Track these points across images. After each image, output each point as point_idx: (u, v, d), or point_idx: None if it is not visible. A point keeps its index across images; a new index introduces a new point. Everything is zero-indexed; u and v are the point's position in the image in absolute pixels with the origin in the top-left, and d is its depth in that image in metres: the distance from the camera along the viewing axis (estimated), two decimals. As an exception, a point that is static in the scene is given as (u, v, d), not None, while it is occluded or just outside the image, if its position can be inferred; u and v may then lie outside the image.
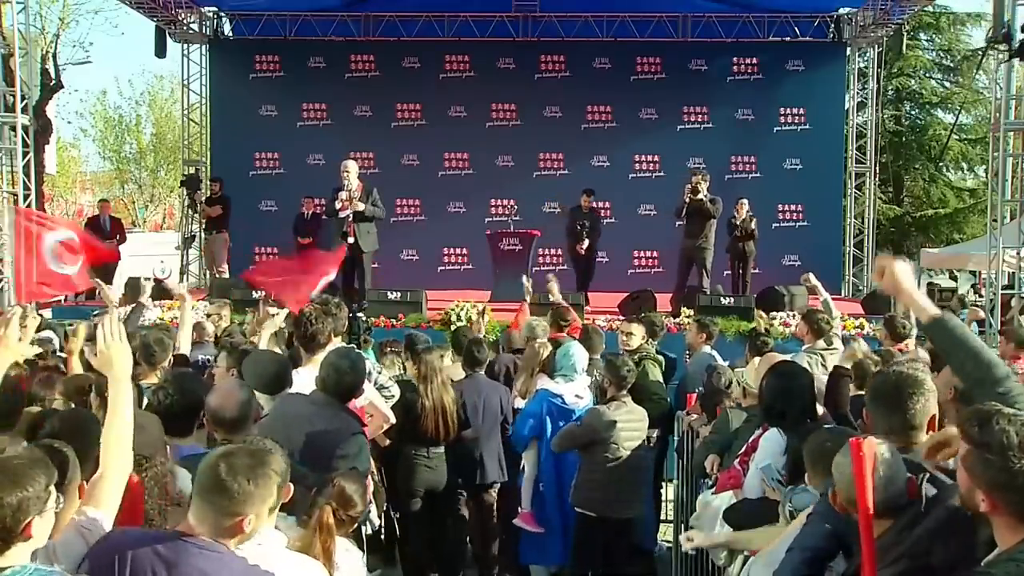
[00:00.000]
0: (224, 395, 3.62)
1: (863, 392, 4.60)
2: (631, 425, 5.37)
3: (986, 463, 2.15)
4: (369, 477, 4.45)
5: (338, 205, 10.77)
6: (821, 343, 6.80)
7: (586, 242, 11.59)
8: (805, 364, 6.36)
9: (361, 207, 10.64)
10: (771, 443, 3.79)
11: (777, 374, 4.10)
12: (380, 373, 5.54)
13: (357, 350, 4.28)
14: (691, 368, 7.05)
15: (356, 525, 3.53)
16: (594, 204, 11.96)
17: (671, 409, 6.65)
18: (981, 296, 17.46)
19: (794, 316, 9.57)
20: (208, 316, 7.82)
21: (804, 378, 4.14)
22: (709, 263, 11.23)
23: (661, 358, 6.98)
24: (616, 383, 5.40)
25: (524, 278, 8.70)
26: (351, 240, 10.78)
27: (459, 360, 6.50)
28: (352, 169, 10.89)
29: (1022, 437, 2.13)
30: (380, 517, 5.29)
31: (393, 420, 5.23)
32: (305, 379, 4.41)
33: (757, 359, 5.33)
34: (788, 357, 6.27)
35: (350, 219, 10.72)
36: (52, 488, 2.22)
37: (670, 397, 7.03)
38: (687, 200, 11.01)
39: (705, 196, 10.99)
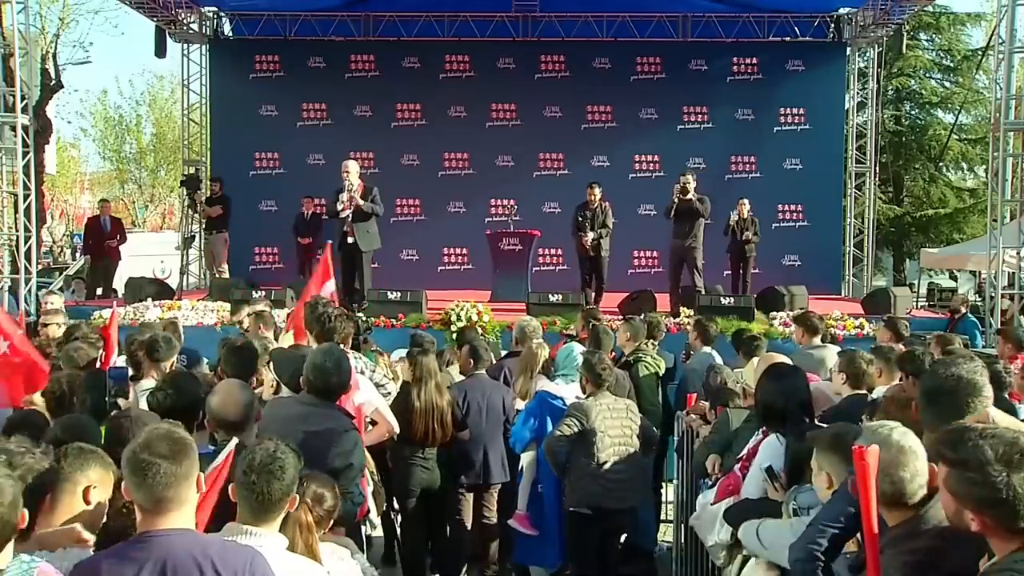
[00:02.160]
0: (225, 396, 3.61)
1: (859, 392, 4.60)
2: (612, 414, 5.37)
3: (968, 481, 2.12)
4: (368, 476, 4.47)
5: (339, 206, 10.78)
6: (816, 341, 6.84)
7: (590, 235, 11.22)
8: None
9: (361, 203, 10.64)
10: (771, 448, 3.79)
11: (773, 375, 4.10)
12: (375, 372, 5.56)
13: (340, 347, 4.23)
14: (691, 368, 7.06)
15: (356, 524, 3.54)
16: (600, 196, 11.40)
17: (670, 410, 6.66)
18: (983, 296, 17.47)
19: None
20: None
21: (800, 376, 4.16)
22: (700, 262, 11.11)
23: (661, 360, 6.98)
24: (592, 381, 5.41)
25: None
26: (350, 240, 10.79)
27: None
28: (353, 169, 10.89)
29: (997, 450, 2.10)
30: (379, 517, 5.31)
31: (397, 430, 5.25)
32: None
33: (755, 359, 5.33)
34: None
35: (349, 219, 10.72)
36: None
37: (671, 397, 7.04)
38: (676, 200, 10.96)
39: (694, 196, 10.96)
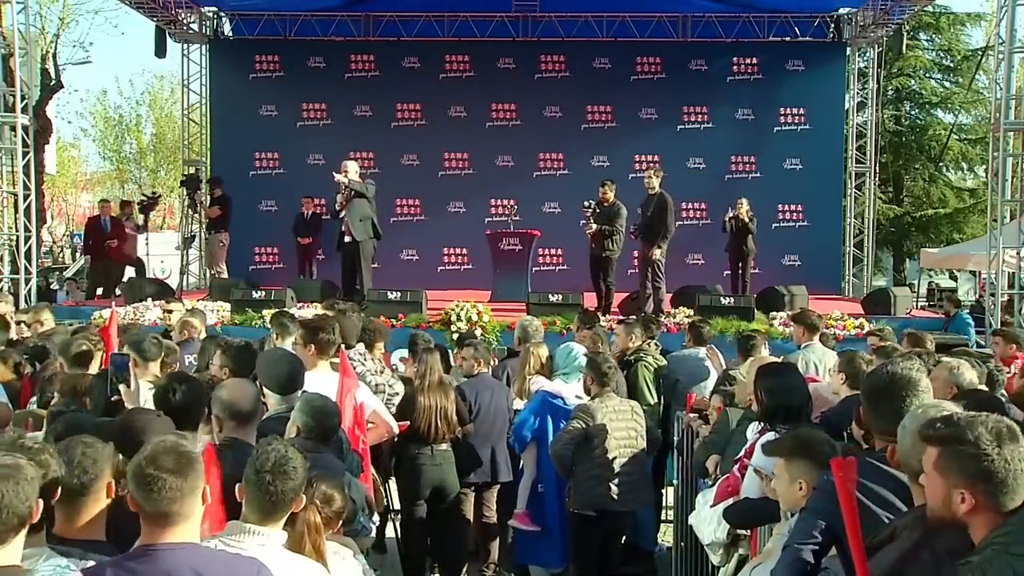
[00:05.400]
0: (236, 389, 3.62)
1: (856, 392, 4.60)
2: (619, 416, 5.38)
3: (960, 455, 2.19)
4: (369, 474, 4.47)
5: (337, 206, 10.81)
6: (817, 341, 6.85)
7: (593, 226, 10.86)
8: (803, 363, 6.40)
9: (347, 180, 10.59)
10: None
11: (772, 373, 4.11)
12: (378, 373, 5.57)
13: (331, 399, 4.08)
14: (675, 358, 7.10)
15: (349, 524, 3.54)
16: (612, 196, 10.96)
17: (668, 411, 6.67)
18: (982, 296, 17.46)
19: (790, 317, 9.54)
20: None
21: (795, 374, 4.20)
22: (655, 261, 10.82)
23: (662, 360, 6.97)
24: (598, 381, 5.42)
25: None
26: (347, 239, 10.77)
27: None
28: (352, 169, 10.89)
29: (987, 425, 2.19)
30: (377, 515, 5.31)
31: (397, 431, 5.25)
32: (316, 381, 4.44)
33: (751, 359, 5.34)
34: (789, 357, 6.32)
35: (345, 217, 10.73)
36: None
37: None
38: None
39: (657, 190, 10.95)
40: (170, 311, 8.00)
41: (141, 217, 13.84)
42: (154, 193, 15.15)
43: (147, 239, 13.81)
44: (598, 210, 10.99)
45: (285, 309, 8.83)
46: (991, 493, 2.16)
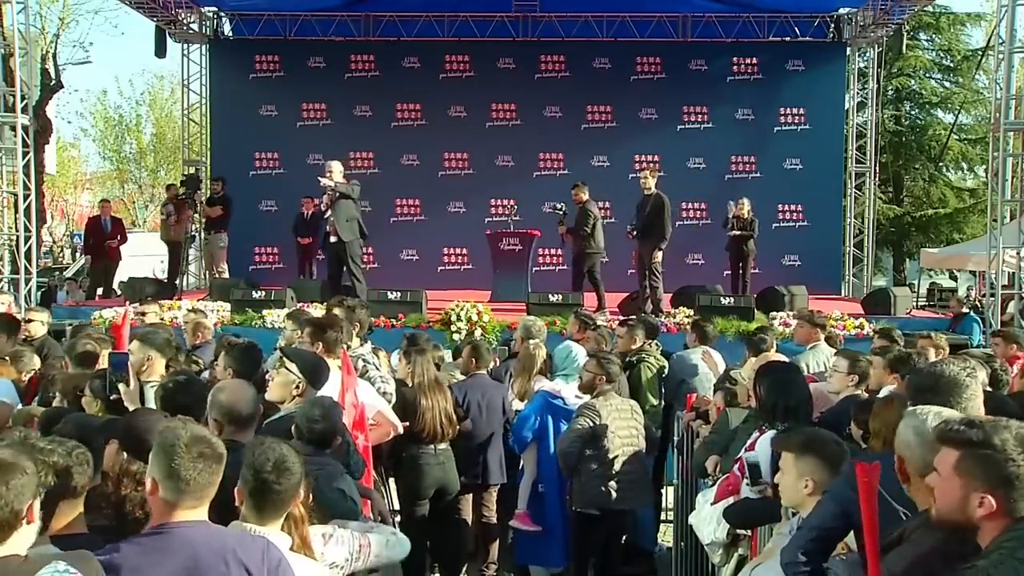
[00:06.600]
0: (234, 392, 3.56)
1: (855, 393, 4.61)
2: (621, 415, 5.38)
3: (986, 461, 2.18)
4: (369, 474, 4.46)
5: (323, 207, 10.82)
6: (823, 342, 6.83)
7: (561, 227, 11.32)
8: (809, 363, 6.40)
9: (332, 183, 10.59)
10: (766, 444, 3.78)
11: (773, 371, 4.11)
12: (380, 372, 5.57)
13: (332, 399, 4.05)
14: (678, 358, 7.08)
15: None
16: (584, 199, 11.17)
17: (669, 411, 6.66)
18: (969, 297, 17.47)
19: (793, 317, 9.54)
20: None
21: (797, 373, 4.19)
22: (653, 262, 10.88)
23: (664, 361, 6.97)
24: (605, 378, 5.42)
25: None
26: (333, 240, 10.75)
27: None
28: (336, 170, 10.83)
29: (1012, 432, 2.20)
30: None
31: (401, 430, 5.24)
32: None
33: (753, 359, 5.34)
34: (796, 358, 6.31)
35: (330, 217, 10.71)
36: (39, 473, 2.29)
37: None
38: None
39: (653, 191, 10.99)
40: (144, 314, 7.82)
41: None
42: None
43: (195, 226, 14.08)
44: (565, 213, 11.29)
45: (302, 307, 8.81)
46: (1012, 499, 2.16)
